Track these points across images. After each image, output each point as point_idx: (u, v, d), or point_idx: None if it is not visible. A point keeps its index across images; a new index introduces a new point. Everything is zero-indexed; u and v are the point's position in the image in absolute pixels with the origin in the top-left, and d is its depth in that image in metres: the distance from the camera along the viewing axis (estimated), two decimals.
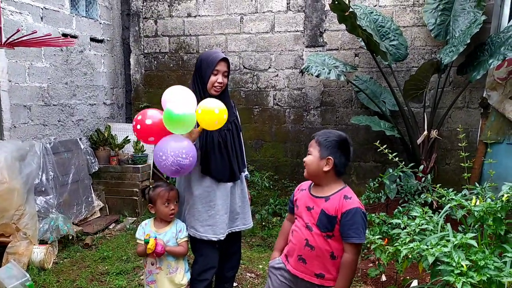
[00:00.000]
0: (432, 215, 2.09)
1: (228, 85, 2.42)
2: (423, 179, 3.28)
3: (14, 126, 3.76)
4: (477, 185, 2.29)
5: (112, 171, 4.59)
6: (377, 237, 2.02)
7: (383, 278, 2.93)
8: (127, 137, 4.76)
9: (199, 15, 4.97)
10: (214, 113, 2.05)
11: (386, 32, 4.07)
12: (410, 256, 1.83)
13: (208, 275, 2.31)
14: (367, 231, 2.10)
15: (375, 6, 4.42)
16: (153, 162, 4.70)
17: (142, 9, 5.19)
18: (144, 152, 4.64)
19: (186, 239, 2.25)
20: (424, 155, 3.98)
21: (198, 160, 2.23)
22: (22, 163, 3.44)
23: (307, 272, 1.77)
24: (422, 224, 1.97)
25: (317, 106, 4.74)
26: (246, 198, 2.47)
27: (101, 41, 4.90)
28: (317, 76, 3.83)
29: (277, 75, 4.83)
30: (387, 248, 1.96)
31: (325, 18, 4.60)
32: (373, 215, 2.62)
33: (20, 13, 3.75)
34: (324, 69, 3.85)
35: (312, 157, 1.76)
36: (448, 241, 1.75)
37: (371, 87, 4.37)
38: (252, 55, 4.87)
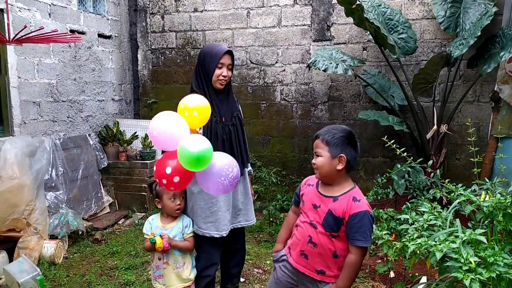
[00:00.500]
0: (441, 210, 2.06)
1: (235, 80, 2.41)
2: (432, 174, 3.24)
3: (24, 122, 3.81)
4: (487, 180, 2.25)
5: (121, 167, 4.63)
6: (384, 232, 2.00)
7: (392, 274, 2.91)
8: (135, 133, 4.78)
9: (206, 10, 4.96)
10: (208, 110, 1.98)
11: (394, 25, 4.01)
12: (417, 252, 1.80)
13: (211, 271, 2.31)
14: (374, 226, 2.08)
15: None
16: None
17: (149, 4, 5.19)
18: (152, 148, 4.67)
19: (192, 234, 2.25)
20: (434, 150, 3.93)
21: None
22: (32, 159, 3.49)
23: (308, 267, 1.77)
24: (431, 220, 1.94)
25: (324, 101, 4.70)
26: (248, 194, 2.44)
27: (108, 37, 4.92)
28: (325, 70, 3.79)
29: (284, 70, 4.80)
30: (395, 243, 1.94)
31: (333, 12, 4.55)
32: (381, 211, 2.60)
33: (28, 9, 3.78)
34: (331, 63, 3.82)
35: (323, 158, 1.70)
36: (456, 237, 1.72)
37: (380, 81, 4.32)
38: (259, 50, 4.84)
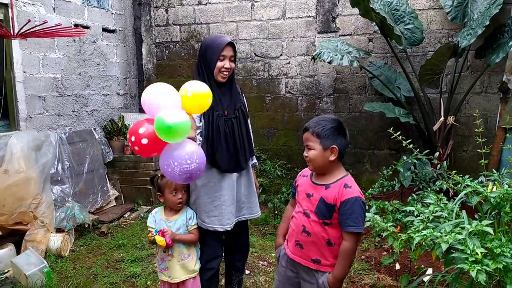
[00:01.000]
0: (447, 202, 2.03)
1: (240, 73, 2.38)
2: (439, 166, 3.20)
3: (30, 117, 3.83)
4: (495, 171, 2.22)
5: (127, 161, 4.65)
6: (389, 224, 1.98)
7: (397, 266, 2.89)
8: None
9: (210, 3, 4.93)
10: (206, 98, 1.95)
11: (400, 15, 3.95)
12: (423, 244, 1.79)
13: (214, 264, 2.31)
14: (379, 218, 2.06)
15: None
16: None
17: None
18: None
19: (196, 226, 2.25)
20: (441, 142, 3.88)
21: (203, 149, 2.20)
22: (38, 153, 3.51)
23: (304, 257, 1.78)
24: (436, 211, 1.92)
25: (330, 93, 4.67)
26: (252, 187, 2.41)
27: (113, 31, 4.92)
28: (330, 62, 3.75)
29: (289, 63, 4.76)
30: (400, 235, 1.92)
31: (338, 3, 4.49)
32: (386, 203, 2.58)
33: (32, 4, 3.78)
34: (336, 55, 3.78)
35: (315, 151, 1.72)
36: (463, 228, 1.70)
37: (386, 72, 4.27)
38: (264, 43, 4.81)
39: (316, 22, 4.60)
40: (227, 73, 2.23)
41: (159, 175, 2.26)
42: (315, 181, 1.79)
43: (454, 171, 2.25)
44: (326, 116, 1.79)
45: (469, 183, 1.99)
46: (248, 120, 2.45)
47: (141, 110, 5.42)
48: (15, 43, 3.62)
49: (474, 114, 2.91)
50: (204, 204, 2.24)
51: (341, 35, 4.52)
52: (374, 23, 3.99)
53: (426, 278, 2.20)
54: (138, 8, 5.26)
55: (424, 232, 1.73)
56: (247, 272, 2.96)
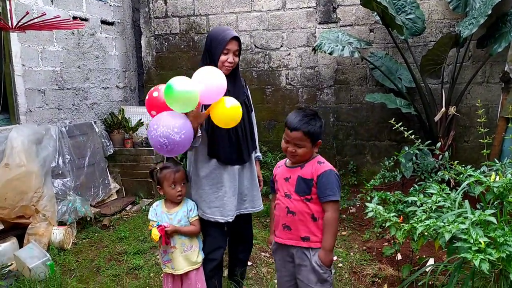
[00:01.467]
0: (450, 192, 2.03)
1: (240, 65, 2.35)
2: (440, 156, 3.19)
3: (30, 110, 3.82)
4: (497, 161, 2.22)
5: (127, 154, 4.64)
6: (392, 214, 1.99)
7: (399, 256, 2.91)
8: (140, 119, 4.78)
9: None
10: (236, 113, 2.05)
11: (402, 5, 3.92)
12: (426, 234, 1.79)
13: (217, 255, 2.30)
14: (381, 208, 2.07)
15: None
16: None
17: None
18: None
19: (197, 217, 2.25)
20: (442, 133, 3.87)
21: (205, 141, 2.20)
22: (39, 147, 3.51)
23: (293, 237, 1.88)
24: (439, 201, 1.92)
25: (330, 84, 4.65)
26: (255, 181, 2.40)
27: (112, 23, 4.88)
28: (330, 53, 3.73)
29: (289, 54, 4.74)
30: (403, 225, 1.93)
31: None
32: (388, 193, 2.58)
33: None
34: (337, 46, 3.75)
35: (306, 149, 1.83)
36: (465, 218, 1.70)
37: (387, 63, 4.25)
38: (264, 34, 4.78)
39: (316, 12, 4.56)
40: (231, 67, 2.21)
41: (158, 168, 2.26)
42: (290, 165, 1.93)
43: (456, 162, 2.25)
44: (306, 110, 1.89)
45: (471, 173, 1.99)
46: (253, 114, 2.43)
47: (141, 103, 5.40)
48: (14, 36, 3.59)
49: (477, 104, 2.89)
50: (206, 194, 2.24)
51: (341, 25, 4.49)
52: (375, 13, 3.95)
53: (428, 268, 2.21)
54: (136, 0, 5.21)
55: (427, 222, 1.73)
56: (249, 263, 2.98)
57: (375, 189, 3.36)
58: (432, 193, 2.03)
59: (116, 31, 4.97)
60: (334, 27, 4.48)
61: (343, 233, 3.60)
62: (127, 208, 4.39)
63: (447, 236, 1.61)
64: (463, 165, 2.16)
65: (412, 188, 2.58)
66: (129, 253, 3.26)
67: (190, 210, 2.25)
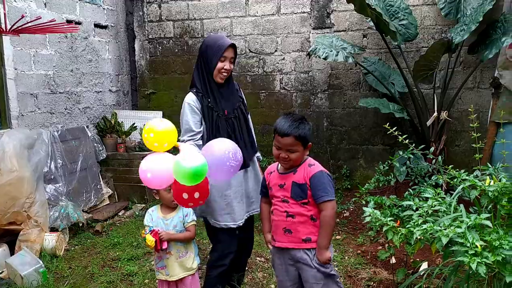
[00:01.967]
0: (445, 196, 2.06)
1: (234, 69, 2.37)
2: (434, 161, 3.23)
3: (22, 115, 3.77)
4: (489, 165, 2.25)
5: (120, 158, 4.60)
6: (389, 219, 2.00)
7: (393, 260, 2.92)
8: (133, 124, 4.75)
9: None
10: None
11: (395, 11, 3.97)
12: (422, 238, 1.81)
13: (227, 260, 2.29)
14: (378, 212, 2.08)
15: None
16: None
17: None
18: None
19: (193, 223, 2.24)
20: (434, 137, 3.92)
21: None
22: (31, 151, 3.46)
23: (294, 240, 1.89)
24: (435, 206, 1.94)
25: (324, 89, 4.68)
26: (260, 181, 2.40)
27: (105, 27, 4.86)
28: (325, 58, 3.76)
29: (283, 59, 4.76)
30: (399, 230, 1.94)
31: None
32: (383, 198, 2.59)
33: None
34: (331, 51, 3.78)
35: (298, 153, 1.85)
36: (461, 222, 1.72)
37: (380, 68, 4.29)
38: (258, 39, 4.79)
39: (310, 18, 4.60)
40: (226, 74, 2.23)
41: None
42: (283, 172, 1.94)
43: (450, 166, 2.27)
44: (294, 115, 1.91)
45: (466, 177, 2.01)
46: (249, 116, 2.45)
47: (134, 107, 5.38)
48: (6, 39, 3.55)
49: (469, 110, 2.94)
50: (216, 203, 2.25)
51: (335, 31, 4.53)
52: (369, 19, 4.00)
53: (423, 272, 2.23)
54: (130, 3, 5.20)
55: (425, 226, 1.75)
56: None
57: (370, 193, 3.38)
58: (427, 197, 2.05)
59: (110, 35, 4.95)
60: (328, 32, 4.52)
61: (337, 237, 3.61)
62: (120, 214, 4.34)
63: (445, 240, 1.63)
64: (456, 170, 2.19)
65: (406, 193, 2.60)
66: (122, 259, 3.23)
67: (186, 215, 2.23)
